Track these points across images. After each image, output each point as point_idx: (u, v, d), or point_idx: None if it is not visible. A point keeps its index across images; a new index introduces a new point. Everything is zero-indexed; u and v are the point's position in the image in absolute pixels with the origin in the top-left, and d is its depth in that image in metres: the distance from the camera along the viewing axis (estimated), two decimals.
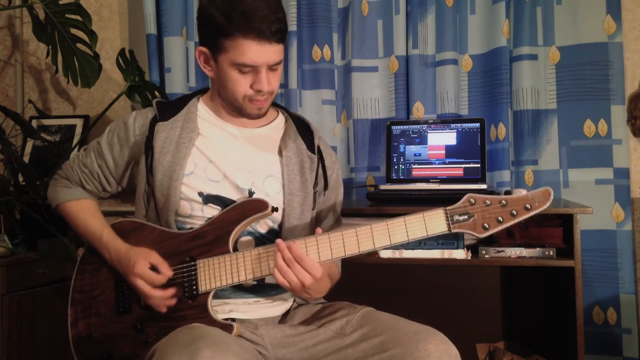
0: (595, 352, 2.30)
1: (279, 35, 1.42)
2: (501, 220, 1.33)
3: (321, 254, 1.36)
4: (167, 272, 1.43)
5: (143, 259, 1.44)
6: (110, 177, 1.64)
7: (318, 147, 1.62)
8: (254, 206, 1.45)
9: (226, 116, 1.57)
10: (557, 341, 2.25)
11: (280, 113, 1.68)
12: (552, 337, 2.30)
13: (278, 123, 1.64)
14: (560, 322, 2.20)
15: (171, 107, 1.59)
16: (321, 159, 1.62)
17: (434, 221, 1.34)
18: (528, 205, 1.32)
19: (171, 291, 1.43)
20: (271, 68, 1.45)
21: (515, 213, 1.32)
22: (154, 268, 1.44)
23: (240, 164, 1.52)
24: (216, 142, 1.54)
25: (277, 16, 1.41)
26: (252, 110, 1.50)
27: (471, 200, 1.34)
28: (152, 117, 1.56)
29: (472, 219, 1.33)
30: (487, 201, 1.34)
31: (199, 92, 1.66)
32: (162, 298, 1.42)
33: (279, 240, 1.34)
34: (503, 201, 1.33)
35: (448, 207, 1.35)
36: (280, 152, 1.57)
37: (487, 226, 1.33)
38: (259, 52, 1.40)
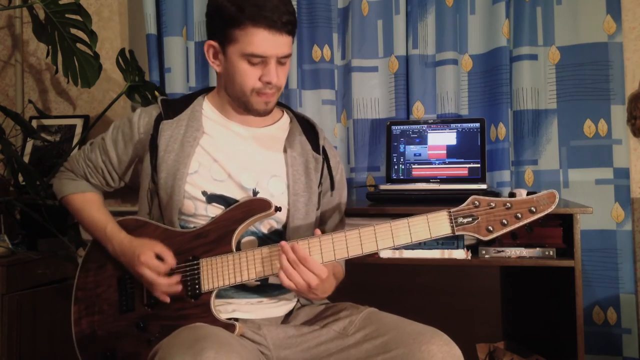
0: (595, 352, 2.30)
1: (289, 26, 1.44)
2: (505, 223, 1.32)
3: (324, 255, 1.36)
4: (171, 260, 1.44)
5: (148, 249, 1.44)
6: (113, 173, 1.65)
7: (323, 147, 1.62)
8: (257, 205, 1.45)
9: (232, 115, 1.57)
10: (557, 341, 2.25)
11: (285, 113, 1.68)
12: (552, 337, 2.30)
13: (283, 123, 1.64)
14: (560, 322, 2.20)
15: (176, 105, 1.59)
16: (326, 159, 1.62)
17: (438, 223, 1.34)
18: (533, 208, 1.32)
19: (176, 278, 1.43)
20: (280, 61, 1.46)
21: (519, 216, 1.32)
22: (158, 258, 1.44)
23: (244, 163, 1.52)
24: (221, 142, 1.54)
25: (288, 8, 1.43)
26: (258, 105, 1.50)
27: (475, 202, 1.34)
28: (157, 115, 1.57)
29: (476, 221, 1.33)
30: (491, 203, 1.33)
31: (204, 91, 1.66)
32: (168, 285, 1.43)
33: (283, 242, 1.33)
34: (507, 204, 1.33)
35: (452, 209, 1.34)
36: (285, 152, 1.57)
37: (492, 229, 1.32)
38: (269, 41, 1.41)
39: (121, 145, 1.61)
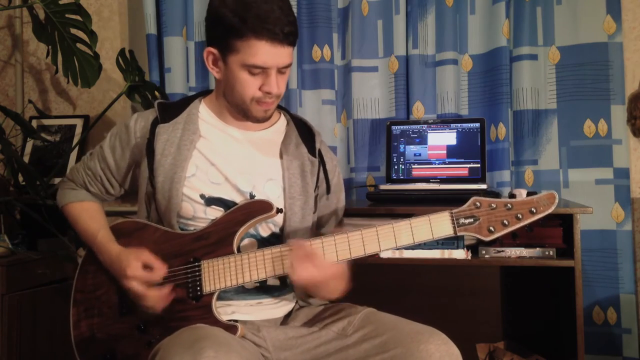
0: (595, 352, 2.30)
1: (291, 38, 1.43)
2: (506, 223, 1.33)
3: (327, 256, 1.36)
4: (160, 268, 1.43)
5: (134, 260, 1.43)
6: (112, 180, 1.65)
7: (319, 150, 1.62)
8: (259, 207, 1.45)
9: (229, 119, 1.57)
10: (557, 341, 2.26)
11: (282, 115, 1.68)
12: (552, 337, 2.31)
13: (279, 126, 1.64)
14: (560, 322, 2.20)
15: (172, 108, 1.59)
16: (322, 162, 1.62)
17: (440, 224, 1.35)
18: (533, 209, 1.33)
19: (167, 289, 1.42)
20: (280, 71, 1.46)
21: (520, 217, 1.33)
22: (148, 267, 1.43)
23: (241, 167, 1.52)
24: (217, 145, 1.54)
25: (289, 19, 1.42)
26: (258, 113, 1.51)
27: (477, 203, 1.35)
28: (153, 119, 1.56)
29: (477, 222, 1.34)
30: (492, 204, 1.34)
31: (201, 94, 1.65)
32: (158, 298, 1.42)
33: (293, 240, 1.36)
34: (508, 204, 1.34)
35: (454, 210, 1.35)
36: (281, 156, 1.57)
37: (493, 229, 1.33)
38: (270, 53, 1.41)
39: (119, 151, 1.61)
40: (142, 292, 1.42)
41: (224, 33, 1.43)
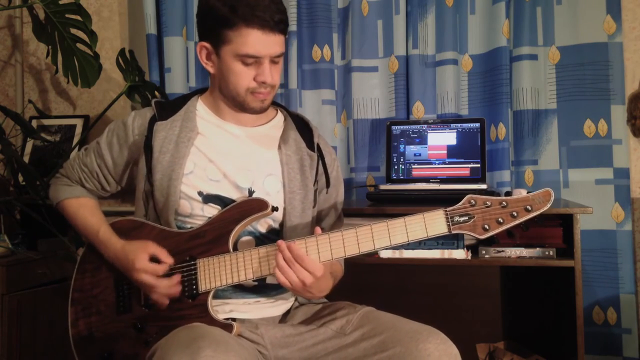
0: (595, 352, 2.30)
1: (282, 25, 1.44)
2: (501, 221, 1.33)
3: (321, 254, 1.36)
4: (167, 259, 1.44)
5: (141, 252, 1.44)
6: (109, 177, 1.65)
7: (317, 144, 1.62)
8: (254, 205, 1.45)
9: (226, 115, 1.57)
10: (557, 341, 2.25)
11: (279, 111, 1.68)
12: (552, 337, 2.30)
13: (277, 121, 1.64)
14: (560, 322, 2.19)
15: (170, 106, 1.59)
16: (321, 156, 1.62)
17: (434, 222, 1.34)
18: (529, 207, 1.32)
19: (176, 278, 1.42)
20: (273, 60, 1.47)
21: (515, 214, 1.32)
22: (154, 259, 1.44)
23: (240, 163, 1.52)
24: (215, 142, 1.54)
25: (279, 7, 1.44)
26: (254, 104, 1.51)
27: (471, 201, 1.34)
28: (151, 117, 1.57)
29: (472, 220, 1.33)
30: (487, 202, 1.34)
31: (198, 92, 1.66)
32: (169, 287, 1.42)
33: (279, 241, 1.33)
34: (503, 202, 1.33)
35: (448, 208, 1.34)
36: (279, 151, 1.57)
37: (488, 227, 1.33)
38: (262, 41, 1.42)
39: (116, 148, 1.61)
40: (153, 283, 1.42)
41: (215, 24, 1.44)
